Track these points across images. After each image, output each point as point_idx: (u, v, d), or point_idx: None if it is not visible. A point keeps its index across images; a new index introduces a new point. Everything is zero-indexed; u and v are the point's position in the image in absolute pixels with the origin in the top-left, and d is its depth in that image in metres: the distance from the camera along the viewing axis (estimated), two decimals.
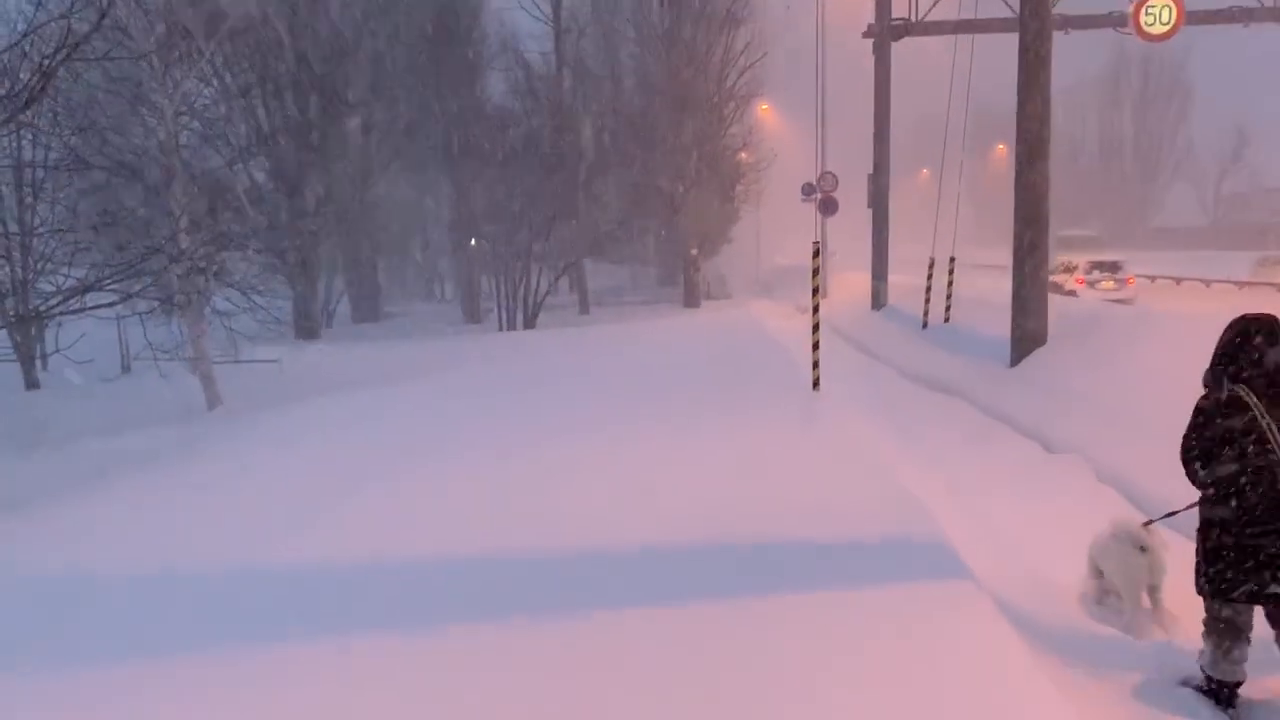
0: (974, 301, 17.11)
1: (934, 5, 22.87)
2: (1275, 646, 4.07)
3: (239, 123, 21.69)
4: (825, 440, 8.43)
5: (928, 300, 17.95)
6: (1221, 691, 4.13)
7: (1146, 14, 16.39)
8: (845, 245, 42.90)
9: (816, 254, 12.02)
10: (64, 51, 9.65)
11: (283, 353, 16.01)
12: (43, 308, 13.03)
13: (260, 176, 21.88)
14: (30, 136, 15.55)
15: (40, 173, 16.72)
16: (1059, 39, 14.68)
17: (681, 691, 3.79)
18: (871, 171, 24.31)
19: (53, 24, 10.39)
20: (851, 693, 3.73)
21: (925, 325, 17.62)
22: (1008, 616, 4.58)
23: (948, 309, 17.40)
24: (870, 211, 24.71)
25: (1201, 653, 4.23)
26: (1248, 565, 3.99)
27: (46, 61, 9.55)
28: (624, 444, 8.47)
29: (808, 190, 32.15)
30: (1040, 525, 6.92)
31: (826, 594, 4.72)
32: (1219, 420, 4.00)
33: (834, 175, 30.49)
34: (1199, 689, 4.19)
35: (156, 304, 13.46)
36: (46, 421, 13.00)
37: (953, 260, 18.04)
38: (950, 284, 17.72)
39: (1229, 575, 4.04)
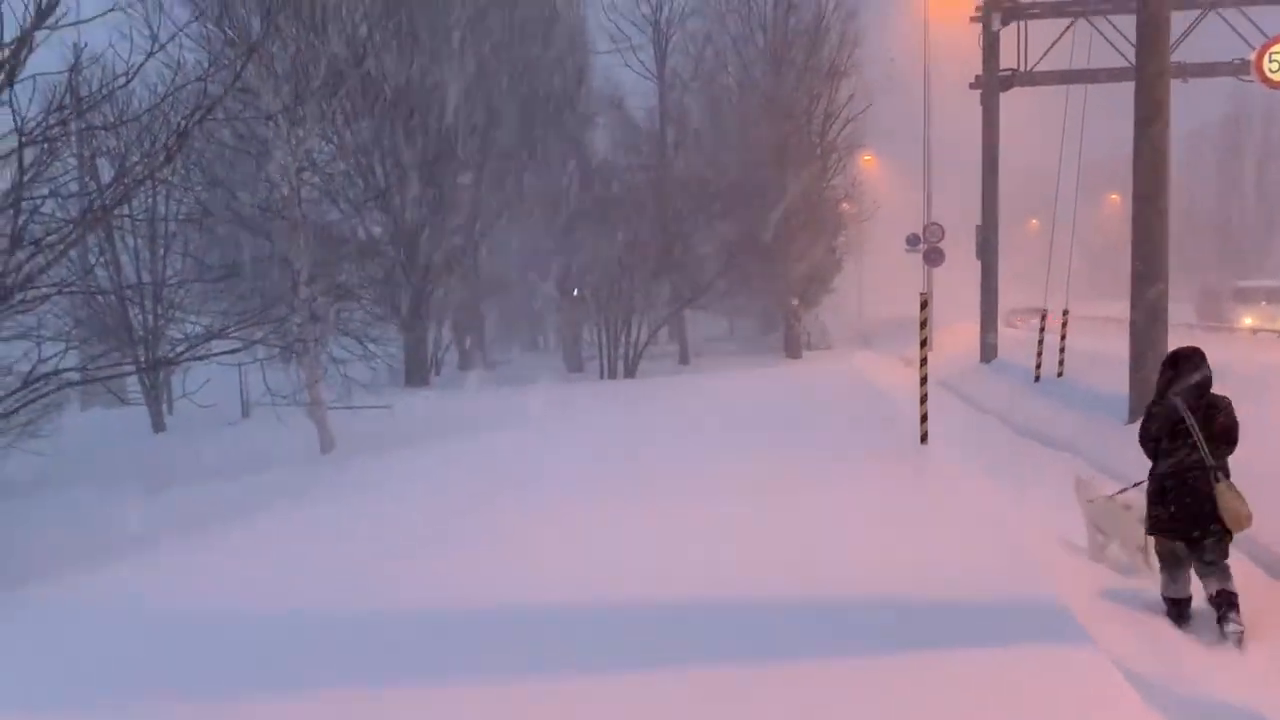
0: (1088, 355, 16.59)
1: (1043, 56, 22.55)
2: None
3: (356, 178, 22.55)
4: (935, 496, 8.26)
5: (1040, 354, 17.47)
6: (1175, 608, 5.85)
7: (1270, 60, 15.82)
8: (952, 296, 42.20)
9: (924, 305, 11.85)
10: (199, 113, 10.25)
11: (394, 398, 16.43)
12: (171, 354, 13.70)
13: (376, 229, 22.66)
14: (164, 192, 16.43)
15: (172, 226, 17.68)
16: (1176, 86, 14.31)
17: None
18: (979, 223, 23.92)
19: (189, 87, 11.05)
20: None
21: (1038, 379, 17.14)
22: (1133, 684, 4.38)
23: (1061, 363, 16.91)
24: (978, 262, 24.27)
25: (1161, 582, 5.95)
26: (1175, 514, 5.82)
27: (183, 122, 10.14)
28: (726, 496, 8.43)
29: (913, 241, 31.79)
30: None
31: (937, 656, 4.60)
32: (1162, 418, 5.92)
33: (940, 226, 30.09)
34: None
35: (276, 351, 14.02)
36: (172, 464, 13.59)
37: (1065, 313, 17.56)
38: (1063, 337, 17.24)
39: (1162, 521, 5.91)
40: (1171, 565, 5.89)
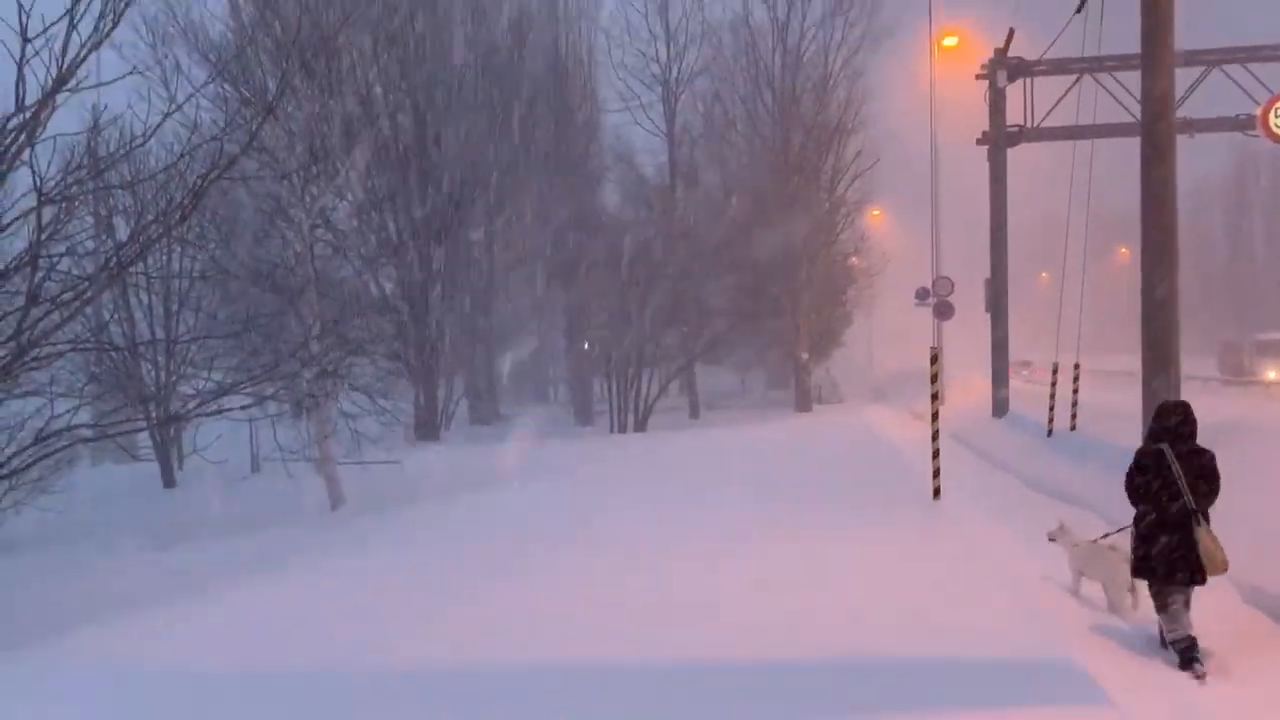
0: (1102, 409, 16.49)
1: (1049, 112, 22.75)
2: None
3: (369, 234, 22.78)
4: (948, 552, 8.17)
5: (1052, 407, 17.37)
6: (1183, 650, 5.83)
7: (1276, 116, 15.93)
8: (963, 349, 42.06)
9: (934, 360, 11.83)
10: (215, 172, 10.37)
11: (404, 453, 16.43)
12: (183, 410, 13.73)
13: (387, 285, 22.84)
14: (179, 249, 16.60)
15: (185, 282, 17.84)
16: (1182, 142, 14.41)
17: None
18: (988, 276, 23.96)
19: (205, 146, 11.21)
20: None
21: (1050, 433, 17.03)
22: None
23: (1073, 416, 16.80)
24: (988, 315, 24.27)
25: (1159, 625, 6.13)
26: (1159, 558, 6.08)
27: (199, 181, 10.26)
28: (738, 554, 8.36)
29: (922, 294, 31.85)
30: None
31: (950, 715, 4.51)
32: (1147, 471, 6.23)
33: (949, 280, 30.16)
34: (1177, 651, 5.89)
35: (287, 406, 14.04)
36: (181, 520, 13.56)
37: (1077, 366, 17.50)
38: (1075, 391, 17.16)
39: (1147, 561, 6.17)
40: (1171, 612, 6.05)
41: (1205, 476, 6.18)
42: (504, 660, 5.76)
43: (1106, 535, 7.30)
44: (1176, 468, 6.11)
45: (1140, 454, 6.42)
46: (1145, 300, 12.17)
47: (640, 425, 27.22)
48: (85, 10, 8.45)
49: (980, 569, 7.61)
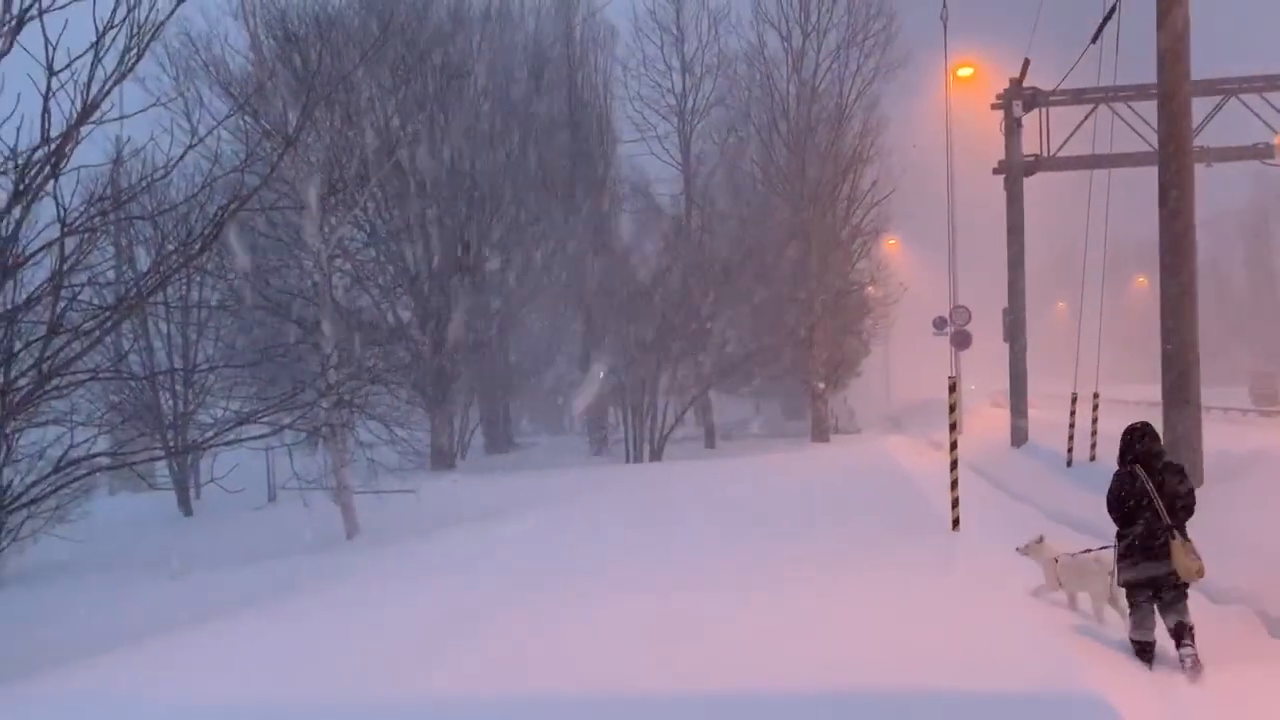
0: (1117, 440, 16.32)
1: (1066, 142, 22.74)
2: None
3: (387, 265, 22.91)
4: (969, 584, 8.09)
5: (1071, 437, 17.24)
6: (1142, 649, 6.63)
7: None
8: (980, 380, 41.81)
9: (952, 389, 11.76)
10: (236, 203, 10.47)
11: (419, 483, 16.42)
12: (200, 439, 13.79)
13: (404, 315, 22.95)
14: (198, 279, 16.74)
15: (204, 312, 17.99)
16: (1199, 172, 14.37)
17: None
18: (1006, 305, 23.89)
19: (225, 178, 11.33)
20: None
21: (1069, 463, 16.88)
22: None
23: (1093, 446, 16.66)
24: (1005, 345, 24.17)
25: (1130, 627, 6.76)
26: (1139, 571, 6.66)
27: (220, 212, 10.35)
28: (754, 584, 8.30)
29: (939, 324, 31.76)
30: (1207, 679, 6.39)
31: None
32: (1125, 493, 6.79)
33: (967, 309, 30.07)
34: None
35: (304, 435, 14.08)
36: (197, 549, 13.57)
37: (1096, 396, 17.37)
38: (1095, 420, 17.02)
39: (1128, 575, 6.73)
40: (1141, 613, 6.72)
41: (1180, 495, 6.73)
42: (511, 693, 5.71)
43: (1088, 550, 7.70)
44: (1150, 487, 6.69)
45: (1118, 478, 6.99)
46: (1164, 352, 12.10)
47: (656, 455, 27.15)
48: (110, 45, 8.58)
49: (1001, 600, 7.52)
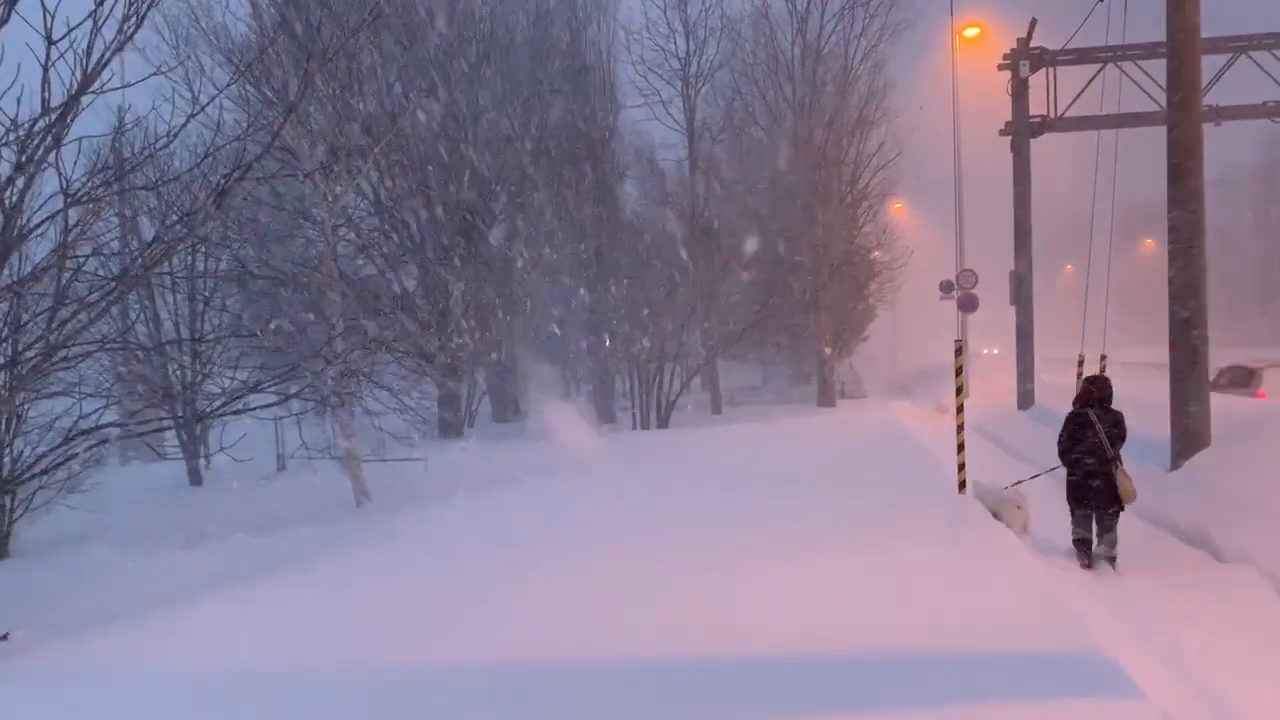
0: (1127, 401, 16.33)
1: (1073, 102, 22.55)
2: (1095, 540, 8.94)
3: (391, 233, 22.85)
4: (976, 547, 8.11)
5: None
6: (1080, 546, 8.96)
7: None
8: (986, 344, 41.61)
9: (959, 352, 11.75)
10: (238, 171, 10.42)
11: (428, 450, 16.48)
12: (208, 409, 13.83)
13: (410, 284, 22.90)
14: (203, 250, 16.70)
15: (210, 283, 17.96)
16: (1209, 130, 14.23)
17: None
18: (1013, 269, 23.80)
19: (228, 147, 11.28)
20: None
21: None
22: None
23: None
24: (1012, 308, 24.11)
25: (1072, 531, 9.08)
26: (1081, 493, 8.95)
27: (222, 181, 10.31)
28: (761, 550, 8.34)
29: (946, 288, 31.67)
30: (1212, 640, 6.44)
31: (981, 710, 4.48)
32: (1076, 427, 8.96)
33: (973, 272, 29.97)
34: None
35: (312, 405, 14.10)
36: (207, 518, 13.66)
37: (1103, 358, 17.34)
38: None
39: (1075, 495, 8.99)
40: (1078, 521, 9.05)
41: (1119, 431, 8.93)
42: (525, 659, 5.76)
43: (1016, 483, 10.10)
44: (1098, 425, 8.86)
45: (1072, 416, 9.13)
46: (1172, 314, 12.06)
47: (663, 422, 27.20)
48: (109, 13, 8.50)
49: (1009, 565, 7.55)
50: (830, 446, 17.33)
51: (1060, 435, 9.09)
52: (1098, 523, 8.84)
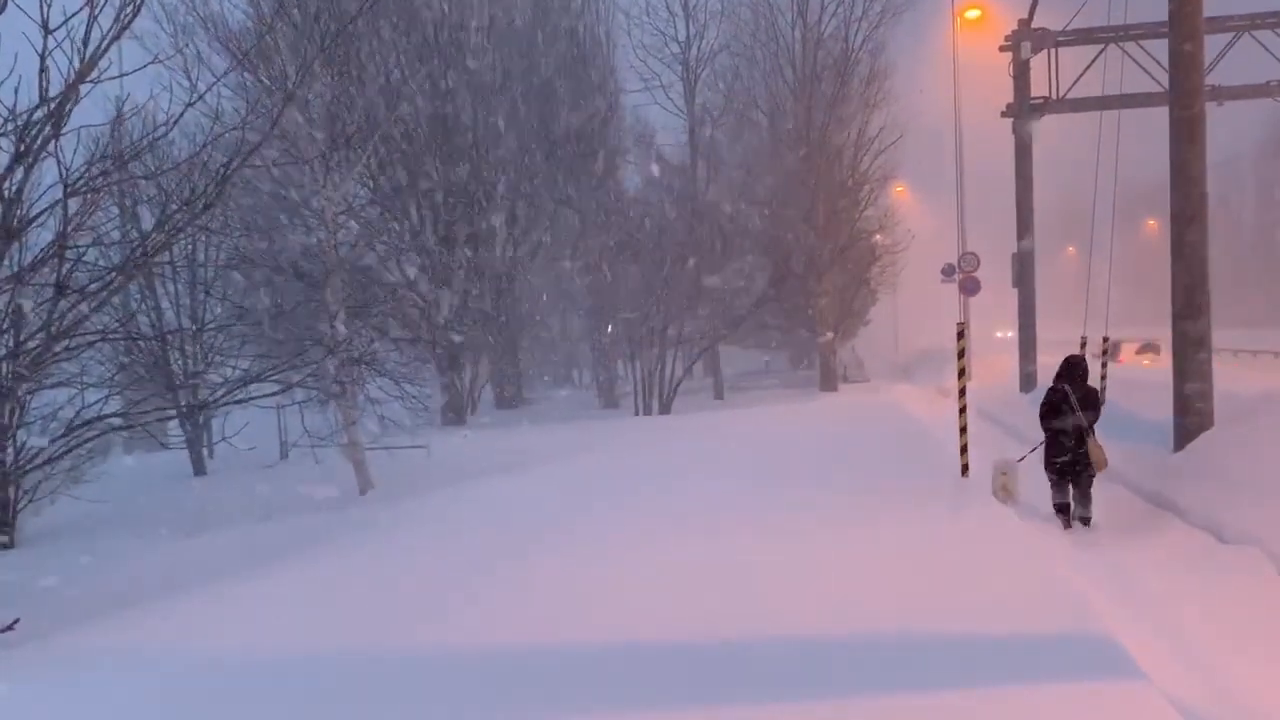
0: (1131, 382, 16.32)
1: (1075, 83, 22.44)
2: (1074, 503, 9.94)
3: (391, 221, 22.80)
4: (979, 530, 8.11)
5: None
6: (1060, 511, 9.89)
7: None
8: (989, 327, 41.55)
9: (961, 335, 11.73)
10: (238, 159, 10.39)
11: (431, 438, 16.49)
12: (211, 398, 13.82)
13: (411, 271, 22.88)
14: (204, 239, 16.65)
15: (211, 272, 17.93)
16: (1211, 111, 14.16)
17: None
18: (1015, 251, 23.75)
19: (227, 135, 11.23)
20: None
21: None
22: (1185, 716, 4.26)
23: (1102, 390, 16.65)
24: (1014, 291, 24.06)
25: (1052, 496, 10.05)
26: (1059, 462, 9.93)
27: (222, 169, 10.28)
28: (767, 533, 8.35)
29: (948, 271, 31.62)
30: (1215, 622, 6.45)
31: (984, 692, 4.48)
32: (1055, 401, 9.96)
33: (975, 255, 29.92)
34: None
35: (314, 393, 14.10)
36: (210, 507, 13.69)
37: (1106, 340, 17.31)
38: (1104, 364, 16.98)
39: (1053, 462, 9.93)
40: (1055, 488, 10.00)
41: (1093, 405, 10.05)
42: (528, 643, 5.77)
43: (1021, 458, 10.99)
44: (1074, 400, 9.88)
45: (1051, 391, 10.20)
46: (1175, 295, 12.02)
47: (665, 408, 27.20)
48: (106, 1, 8.46)
49: (1012, 547, 7.55)
50: (834, 431, 17.34)
51: (1041, 407, 10.29)
52: (1075, 487, 9.84)
